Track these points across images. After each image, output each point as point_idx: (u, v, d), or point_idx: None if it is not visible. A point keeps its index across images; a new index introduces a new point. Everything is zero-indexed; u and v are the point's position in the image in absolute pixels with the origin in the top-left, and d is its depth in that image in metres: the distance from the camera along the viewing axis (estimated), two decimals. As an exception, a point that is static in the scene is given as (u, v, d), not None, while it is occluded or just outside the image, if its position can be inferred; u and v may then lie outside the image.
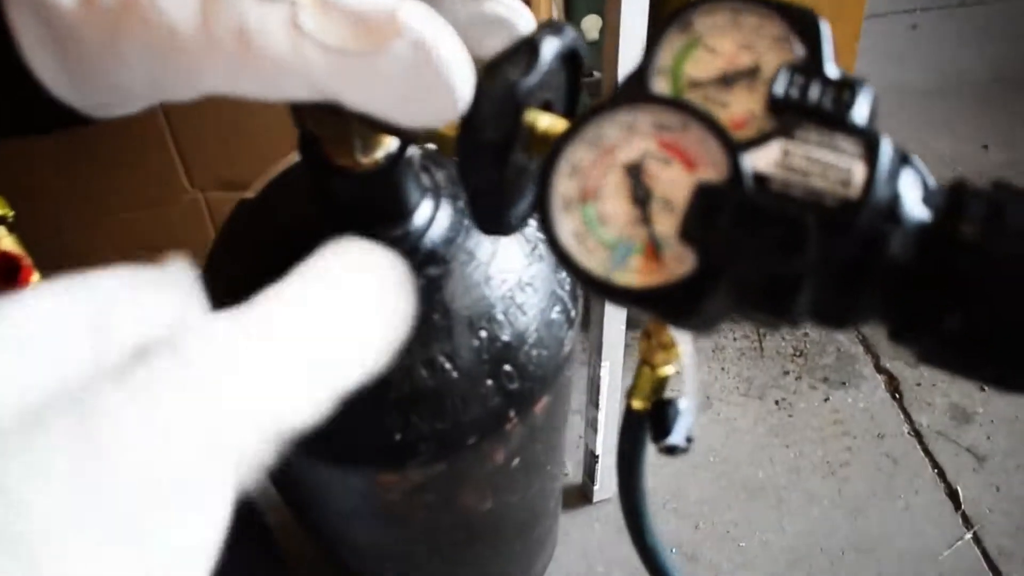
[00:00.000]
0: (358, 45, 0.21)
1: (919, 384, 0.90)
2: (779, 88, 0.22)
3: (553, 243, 0.23)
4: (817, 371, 0.91)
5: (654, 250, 0.22)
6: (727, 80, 0.23)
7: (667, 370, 0.31)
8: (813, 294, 0.23)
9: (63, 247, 0.67)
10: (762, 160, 0.22)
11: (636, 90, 0.23)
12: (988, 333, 0.22)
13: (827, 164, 0.21)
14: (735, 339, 0.94)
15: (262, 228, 0.39)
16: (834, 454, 0.85)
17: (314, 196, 0.35)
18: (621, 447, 0.34)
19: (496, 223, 0.27)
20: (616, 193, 0.23)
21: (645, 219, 0.22)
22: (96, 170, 0.63)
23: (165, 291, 0.17)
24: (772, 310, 0.22)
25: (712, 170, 0.22)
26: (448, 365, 0.36)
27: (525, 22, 0.26)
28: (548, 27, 0.26)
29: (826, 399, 0.89)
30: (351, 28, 0.21)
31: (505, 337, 0.37)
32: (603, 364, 0.68)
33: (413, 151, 0.34)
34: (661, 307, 0.22)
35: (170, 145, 0.62)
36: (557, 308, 0.40)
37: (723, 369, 0.91)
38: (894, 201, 0.22)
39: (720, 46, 0.24)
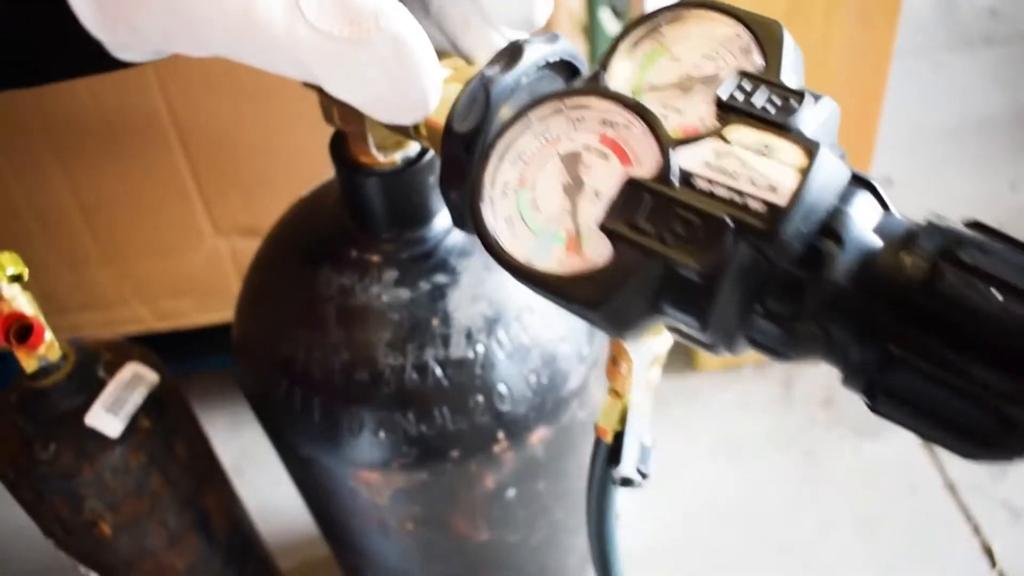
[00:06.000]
0: (343, 32, 0.23)
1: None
2: (724, 91, 0.21)
3: (481, 226, 0.23)
4: (846, 420, 0.86)
5: (576, 241, 0.22)
6: (685, 86, 0.23)
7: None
8: (742, 308, 0.22)
9: (85, 292, 0.67)
10: (693, 159, 0.21)
11: (592, 87, 0.23)
12: (929, 383, 0.20)
13: (758, 168, 0.20)
14: (761, 386, 0.90)
15: (303, 223, 0.42)
16: (865, 509, 0.80)
17: (343, 193, 0.37)
18: (590, 475, 0.33)
19: (471, 230, 0.27)
20: (551, 182, 0.23)
21: (573, 210, 0.22)
22: (118, 215, 0.63)
23: None
24: (689, 313, 0.21)
25: (646, 168, 0.22)
26: (439, 372, 0.36)
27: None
28: (539, 35, 0.27)
29: (856, 450, 0.84)
30: (341, 17, 0.23)
31: (502, 355, 0.37)
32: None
33: (434, 158, 0.35)
34: (573, 296, 0.21)
35: (192, 192, 0.62)
36: (567, 342, 0.39)
37: (749, 418, 0.87)
38: (836, 219, 0.21)
39: (685, 55, 0.23)
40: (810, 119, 0.21)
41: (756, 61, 0.22)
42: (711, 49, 0.23)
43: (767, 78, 0.21)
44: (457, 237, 0.38)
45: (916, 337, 0.20)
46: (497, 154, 0.23)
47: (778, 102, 0.21)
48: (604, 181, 0.22)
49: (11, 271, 0.44)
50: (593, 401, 0.42)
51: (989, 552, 0.78)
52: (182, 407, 0.54)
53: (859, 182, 0.22)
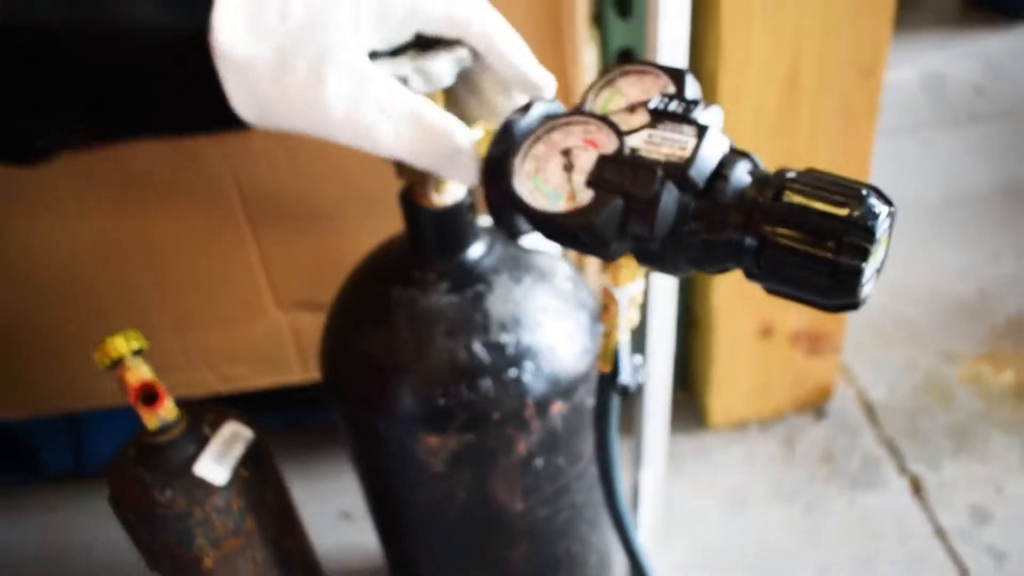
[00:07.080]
0: (425, 139, 0.38)
1: (941, 485, 0.93)
2: (653, 103, 0.37)
3: (514, 196, 0.37)
4: (844, 475, 0.95)
5: (572, 196, 0.36)
6: (631, 108, 0.38)
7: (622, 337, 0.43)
8: (674, 231, 0.35)
9: (157, 358, 0.70)
10: (637, 140, 0.36)
11: (575, 111, 0.39)
12: (788, 255, 0.34)
13: (673, 140, 0.35)
14: (766, 444, 0.99)
15: (378, 259, 0.56)
16: (861, 555, 0.88)
17: (408, 228, 0.52)
18: (596, 409, 0.45)
19: (503, 224, 0.41)
20: (555, 167, 0.37)
21: (569, 180, 0.37)
22: (188, 291, 0.71)
23: None
24: (642, 226, 0.35)
25: (610, 150, 0.37)
26: (483, 352, 0.49)
27: (548, 90, 0.43)
28: (545, 100, 0.43)
29: (852, 502, 0.93)
30: (424, 132, 0.38)
31: (527, 342, 0.50)
32: (644, 470, 0.76)
33: (473, 200, 0.50)
34: (571, 222, 0.35)
35: (258, 269, 0.68)
36: (573, 337, 0.52)
37: (754, 473, 0.97)
38: (724, 167, 0.35)
39: (630, 92, 0.39)
40: (704, 116, 0.36)
41: (670, 90, 0.38)
42: (645, 87, 0.39)
43: (677, 95, 0.37)
44: (489, 260, 0.52)
45: (775, 228, 0.34)
46: (520, 157, 0.38)
47: (684, 106, 0.36)
48: (587, 162, 0.37)
49: (135, 345, 0.53)
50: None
51: (976, 596, 0.86)
52: (271, 460, 0.63)
53: (741, 152, 0.36)
